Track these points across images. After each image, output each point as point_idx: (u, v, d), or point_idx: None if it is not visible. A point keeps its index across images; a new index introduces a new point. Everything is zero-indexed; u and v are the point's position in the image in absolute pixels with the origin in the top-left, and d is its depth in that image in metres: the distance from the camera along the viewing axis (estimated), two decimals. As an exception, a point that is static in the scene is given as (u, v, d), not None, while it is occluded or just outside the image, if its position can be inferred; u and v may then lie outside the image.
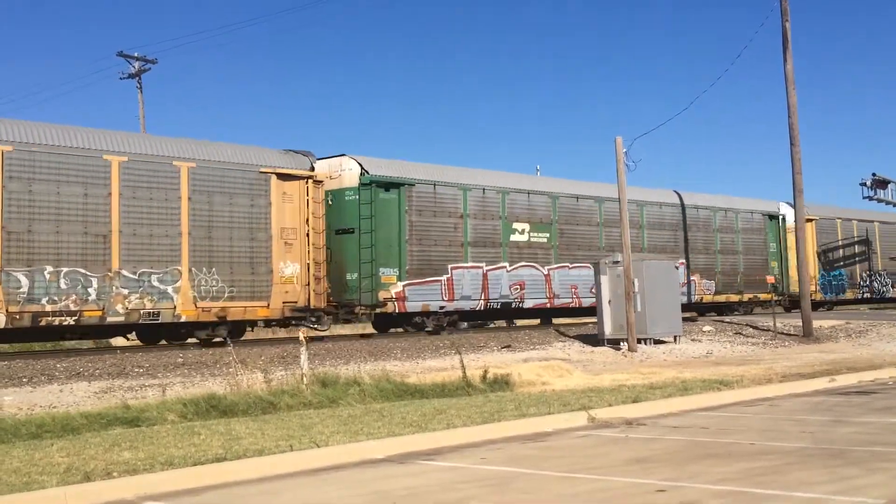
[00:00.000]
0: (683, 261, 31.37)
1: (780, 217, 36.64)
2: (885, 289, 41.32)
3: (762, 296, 35.01)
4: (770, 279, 32.34)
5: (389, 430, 10.13)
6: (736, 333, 26.53)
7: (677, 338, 23.90)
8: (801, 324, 26.44)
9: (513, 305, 27.01)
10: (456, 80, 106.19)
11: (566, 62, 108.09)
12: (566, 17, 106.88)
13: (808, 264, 33.44)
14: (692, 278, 32.58)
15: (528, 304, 27.41)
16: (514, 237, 27.41)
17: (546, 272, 28.01)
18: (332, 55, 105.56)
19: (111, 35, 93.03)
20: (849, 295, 39.49)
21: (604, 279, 23.53)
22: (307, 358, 14.64)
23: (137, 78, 40.54)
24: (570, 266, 28.76)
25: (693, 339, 24.80)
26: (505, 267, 26.80)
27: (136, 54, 40.68)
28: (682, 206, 33.23)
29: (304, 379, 13.83)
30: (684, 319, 26.11)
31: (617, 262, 23.48)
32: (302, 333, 14.90)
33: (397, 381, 14.45)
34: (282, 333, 24.64)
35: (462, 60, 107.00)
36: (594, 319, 26.69)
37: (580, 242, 29.45)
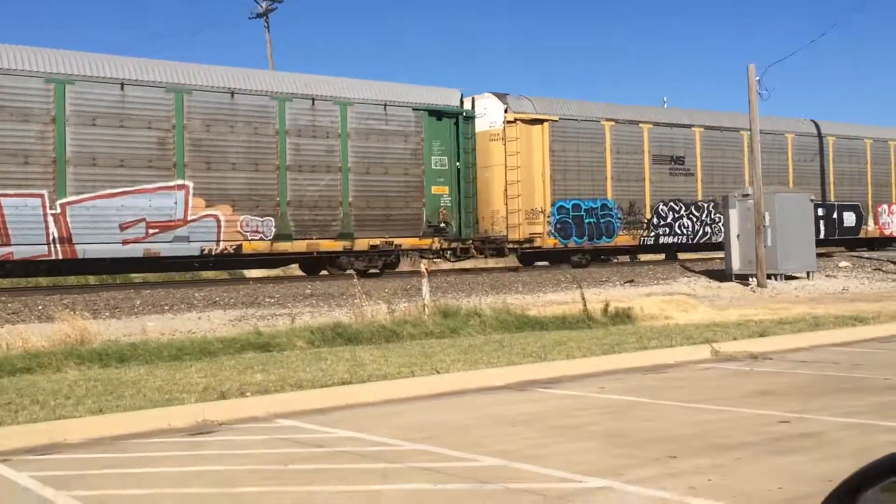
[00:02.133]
0: (182, 181, 19.14)
1: (461, 115, 23.16)
2: (703, 229, 27.97)
3: (408, 241, 22.12)
4: (439, 214, 22.36)
5: (509, 360, 10.26)
6: (875, 269, 25.32)
7: (811, 274, 22.98)
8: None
9: None
10: (578, 11, 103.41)
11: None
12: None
13: (533, 191, 24.46)
14: (213, 212, 19.46)
15: None
16: None
17: None
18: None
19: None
20: (622, 239, 26.18)
21: (732, 213, 22.78)
22: (429, 290, 14.91)
23: (265, 18, 41.39)
24: None
25: (828, 276, 23.81)
26: None
27: (263, -6, 41.43)
28: (181, 89, 19.21)
29: (426, 309, 14.12)
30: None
31: (746, 195, 22.66)
32: (423, 265, 15.14)
33: (518, 313, 14.56)
34: (405, 266, 25.06)
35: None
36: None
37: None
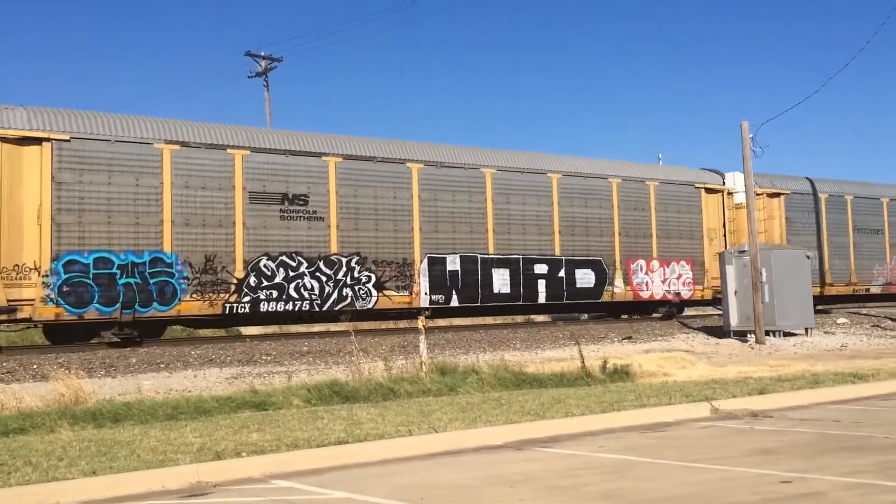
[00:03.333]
0: None
1: None
2: (339, 292, 20.94)
3: None
4: None
5: (507, 418, 10.18)
6: (873, 326, 25.30)
7: (809, 330, 22.98)
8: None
9: None
10: (576, 67, 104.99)
11: (688, 49, 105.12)
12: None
13: (21, 239, 17.64)
14: None
15: None
16: None
17: None
18: (459, 47, 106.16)
19: (235, 35, 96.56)
20: (189, 306, 19.25)
21: (729, 269, 22.87)
22: (426, 347, 14.87)
23: (264, 76, 41.96)
24: None
25: (826, 332, 23.79)
26: None
27: (262, 53, 42.09)
28: None
29: (424, 367, 14.06)
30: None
31: (743, 251, 22.77)
32: (421, 321, 15.12)
33: (515, 370, 14.49)
34: (403, 323, 24.98)
35: (581, 45, 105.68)
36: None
37: None
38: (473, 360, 15.43)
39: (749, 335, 21.88)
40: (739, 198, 29.09)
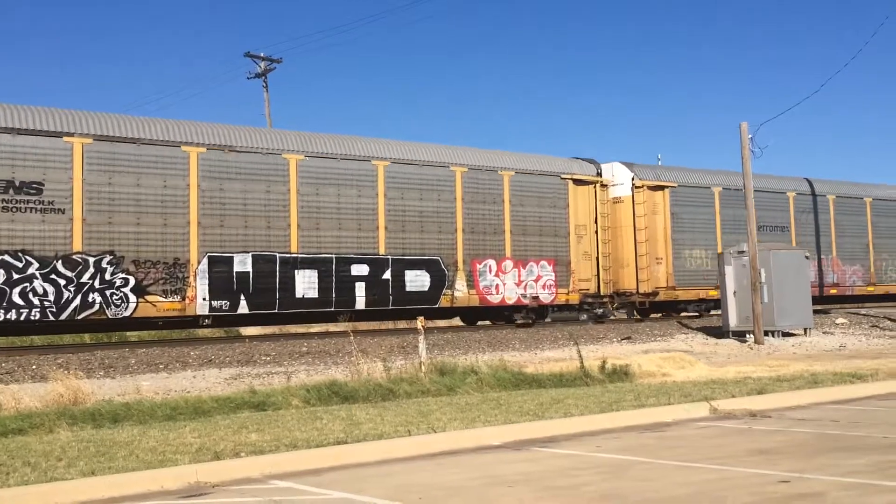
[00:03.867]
0: None
1: None
2: (85, 297, 17.85)
3: None
4: None
5: (506, 418, 10.18)
6: (872, 326, 25.32)
7: (808, 330, 22.99)
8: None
9: None
10: (572, 69, 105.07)
11: (684, 49, 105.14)
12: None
13: None
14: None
15: None
16: None
17: None
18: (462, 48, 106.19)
19: (234, 36, 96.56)
20: None
21: (728, 269, 22.87)
22: (425, 347, 14.87)
23: (263, 77, 41.94)
24: None
25: (825, 332, 23.80)
26: None
27: (261, 54, 42.08)
28: None
29: (423, 367, 14.05)
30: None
31: (742, 251, 22.78)
32: (420, 322, 15.12)
33: (514, 370, 14.49)
34: (402, 324, 24.95)
35: (582, 47, 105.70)
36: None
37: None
38: (472, 361, 15.43)
39: (748, 335, 21.90)
40: (617, 191, 26.68)
